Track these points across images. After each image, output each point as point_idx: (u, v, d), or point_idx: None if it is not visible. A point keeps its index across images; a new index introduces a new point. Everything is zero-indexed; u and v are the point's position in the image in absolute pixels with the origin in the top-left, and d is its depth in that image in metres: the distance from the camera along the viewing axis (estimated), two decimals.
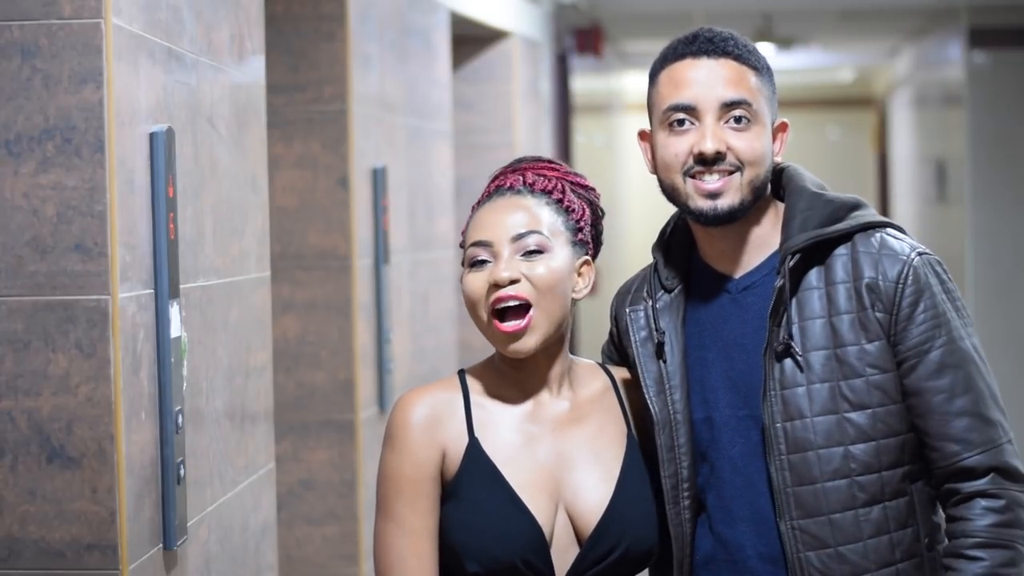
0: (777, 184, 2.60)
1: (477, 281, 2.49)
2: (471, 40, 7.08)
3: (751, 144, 2.50)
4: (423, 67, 5.49)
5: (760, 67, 2.54)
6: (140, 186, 2.73)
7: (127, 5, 2.67)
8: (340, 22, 4.56)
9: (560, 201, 2.52)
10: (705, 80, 2.51)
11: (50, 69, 2.58)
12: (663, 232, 2.66)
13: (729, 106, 2.50)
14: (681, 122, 2.51)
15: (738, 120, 2.50)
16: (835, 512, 2.47)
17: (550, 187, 2.53)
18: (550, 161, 2.59)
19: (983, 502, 2.46)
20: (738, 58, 2.52)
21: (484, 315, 2.49)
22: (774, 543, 2.50)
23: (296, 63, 4.56)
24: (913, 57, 12.69)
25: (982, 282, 9.42)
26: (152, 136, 2.78)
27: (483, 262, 2.49)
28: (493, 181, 2.57)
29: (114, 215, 2.60)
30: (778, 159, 2.58)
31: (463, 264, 2.54)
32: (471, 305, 2.50)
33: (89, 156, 2.58)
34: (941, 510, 2.53)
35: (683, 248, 2.63)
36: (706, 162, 2.49)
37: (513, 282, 2.46)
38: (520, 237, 2.48)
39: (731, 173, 2.49)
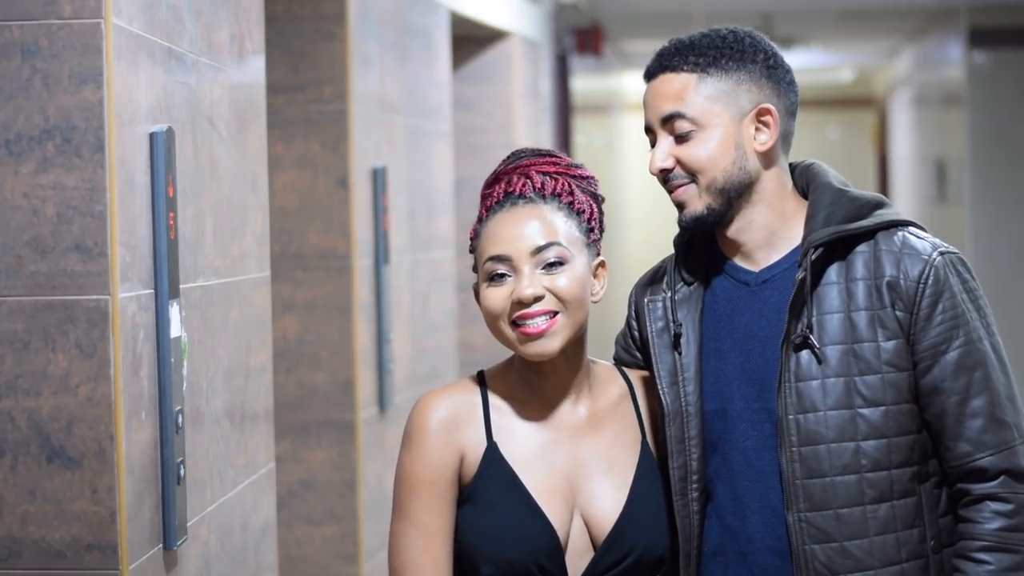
0: (803, 181, 2.61)
1: (498, 296, 2.47)
2: (471, 40, 7.08)
3: (694, 153, 2.53)
4: (423, 67, 5.49)
5: (705, 67, 2.54)
6: (140, 186, 2.73)
7: (127, 5, 2.67)
8: (340, 22, 4.56)
9: (571, 204, 2.51)
10: (650, 102, 2.57)
11: (50, 69, 2.58)
12: None
13: (667, 121, 2.53)
14: (649, 131, 2.56)
15: (678, 133, 2.53)
16: (843, 507, 2.47)
17: (559, 189, 2.51)
18: (550, 153, 2.57)
19: (993, 505, 2.46)
20: (674, 68, 2.55)
21: (505, 326, 2.48)
22: (782, 536, 2.51)
23: (296, 63, 4.56)
24: (913, 57, 12.69)
25: (982, 282, 9.38)
26: (152, 136, 2.78)
27: (502, 276, 2.47)
28: (498, 184, 2.54)
29: (114, 215, 2.60)
30: (761, 148, 2.55)
31: (476, 272, 2.52)
32: (492, 319, 2.49)
33: (89, 156, 2.58)
34: (950, 513, 2.53)
35: (705, 241, 2.63)
36: (666, 182, 2.55)
37: (537, 299, 2.46)
38: (540, 250, 2.46)
39: (687, 184, 2.53)
